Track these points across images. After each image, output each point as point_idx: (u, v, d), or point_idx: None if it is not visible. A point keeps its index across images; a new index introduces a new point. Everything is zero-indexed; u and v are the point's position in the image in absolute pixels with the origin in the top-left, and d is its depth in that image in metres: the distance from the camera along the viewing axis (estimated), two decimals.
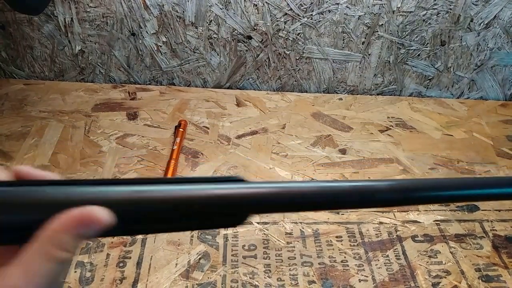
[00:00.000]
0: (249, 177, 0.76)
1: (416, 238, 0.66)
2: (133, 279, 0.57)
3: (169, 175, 0.73)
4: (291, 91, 1.05)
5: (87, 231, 0.27)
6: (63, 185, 0.29)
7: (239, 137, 0.86)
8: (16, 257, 0.25)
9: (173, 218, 0.31)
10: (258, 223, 0.67)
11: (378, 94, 1.08)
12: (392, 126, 0.94)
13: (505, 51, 1.03)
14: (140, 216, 0.30)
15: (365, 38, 0.99)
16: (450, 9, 0.97)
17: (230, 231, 0.65)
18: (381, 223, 0.68)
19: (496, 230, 0.69)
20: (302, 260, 0.61)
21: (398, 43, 1.00)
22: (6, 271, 0.25)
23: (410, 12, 0.97)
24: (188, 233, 0.64)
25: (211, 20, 0.96)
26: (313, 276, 0.59)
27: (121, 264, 0.59)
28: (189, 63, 1.01)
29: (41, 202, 0.27)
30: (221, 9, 0.94)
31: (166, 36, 0.97)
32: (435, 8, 0.96)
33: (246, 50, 1.00)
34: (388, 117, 0.98)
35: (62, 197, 0.28)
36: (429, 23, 0.98)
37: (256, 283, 0.57)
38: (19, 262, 0.25)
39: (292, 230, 0.66)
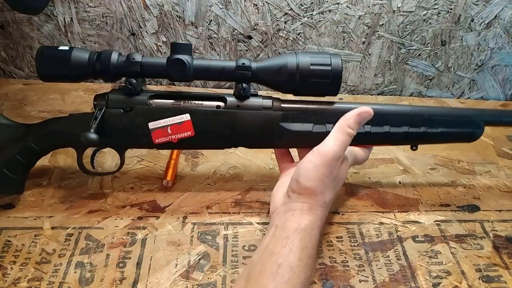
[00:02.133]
0: (249, 177, 0.76)
1: (416, 239, 0.66)
2: (133, 279, 0.57)
3: (169, 176, 0.73)
4: None
5: (362, 118, 0.59)
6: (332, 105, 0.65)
7: None
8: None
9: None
10: (258, 223, 0.67)
11: (378, 94, 1.07)
12: None
13: (506, 51, 1.03)
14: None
15: (366, 38, 0.99)
16: (451, 9, 0.96)
17: (230, 231, 0.65)
18: (381, 223, 0.68)
19: (496, 231, 0.68)
20: None
21: (398, 43, 1.00)
22: (325, 141, 0.57)
23: (411, 12, 0.96)
24: (188, 233, 0.64)
25: (211, 20, 0.95)
26: (313, 276, 0.59)
27: (121, 265, 0.59)
28: None
29: (337, 111, 0.62)
30: (221, 9, 0.94)
31: (166, 36, 0.97)
32: (436, 8, 0.96)
33: (246, 50, 1.00)
34: None
35: (342, 108, 0.63)
36: (430, 23, 0.98)
37: None
38: (330, 135, 0.58)
39: None
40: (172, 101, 0.63)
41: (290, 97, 0.65)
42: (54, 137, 0.65)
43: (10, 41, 0.97)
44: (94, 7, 0.93)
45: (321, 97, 0.64)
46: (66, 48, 0.61)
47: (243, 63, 0.61)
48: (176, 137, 0.63)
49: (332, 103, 0.65)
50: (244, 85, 0.62)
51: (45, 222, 0.64)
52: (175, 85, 1.03)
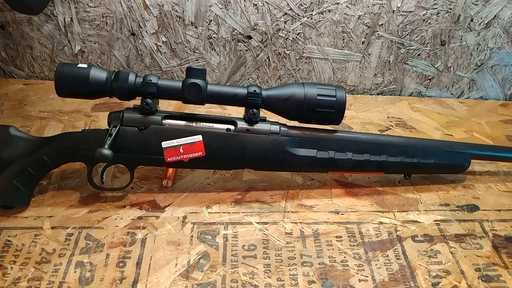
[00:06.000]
0: (249, 177, 0.76)
1: (416, 238, 0.66)
2: (133, 279, 0.57)
3: (168, 176, 0.73)
4: None
5: None
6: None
7: None
8: None
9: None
10: (257, 223, 0.67)
11: (378, 94, 1.08)
12: (392, 126, 0.94)
13: (505, 51, 1.03)
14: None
15: (365, 37, 0.99)
16: (450, 8, 0.97)
17: (230, 231, 0.65)
18: (381, 223, 0.68)
19: (496, 230, 0.69)
20: (302, 260, 0.61)
21: (398, 42, 1.00)
22: None
23: (410, 11, 0.97)
24: (188, 233, 0.64)
25: (211, 20, 0.96)
26: (313, 276, 0.59)
27: (120, 264, 0.59)
28: (189, 63, 1.01)
29: (339, 139, 0.70)
30: (220, 9, 0.94)
31: (166, 36, 0.97)
32: (435, 8, 0.96)
33: (246, 50, 1.00)
34: (388, 117, 0.98)
35: (344, 136, 0.71)
36: (429, 22, 0.98)
37: (256, 283, 0.57)
38: None
39: (292, 230, 0.66)
40: (184, 122, 0.66)
41: (296, 123, 0.70)
42: (66, 152, 0.66)
43: (10, 41, 0.97)
44: (94, 7, 0.94)
45: (324, 125, 0.70)
46: (85, 66, 0.63)
47: (254, 90, 0.65)
48: (188, 156, 0.65)
49: (334, 131, 0.71)
50: (254, 110, 0.67)
51: (45, 222, 0.64)
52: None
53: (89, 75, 0.63)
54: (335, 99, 0.67)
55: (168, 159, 0.65)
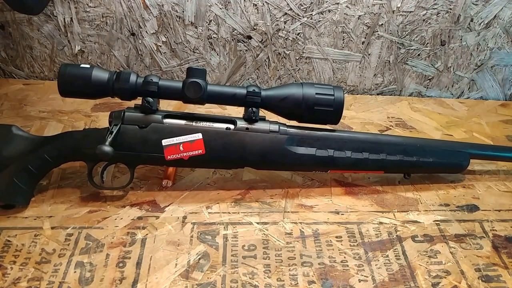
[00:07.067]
0: (249, 177, 0.76)
1: (416, 238, 0.66)
2: (132, 279, 0.57)
3: (168, 176, 0.73)
4: None
5: None
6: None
7: None
8: None
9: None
10: (257, 223, 0.67)
11: (378, 94, 1.08)
12: (392, 126, 0.94)
13: (505, 51, 1.03)
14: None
15: (365, 38, 0.99)
16: (450, 9, 0.97)
17: (230, 231, 0.65)
18: (381, 223, 0.68)
19: (496, 230, 0.69)
20: (302, 260, 0.61)
21: (398, 43, 1.00)
22: None
23: (410, 12, 0.97)
24: (188, 233, 0.64)
25: (211, 20, 0.96)
26: (312, 276, 0.59)
27: (120, 264, 0.59)
28: (188, 63, 1.01)
29: (338, 138, 0.71)
30: (220, 9, 0.94)
31: (166, 36, 0.97)
32: (435, 8, 0.96)
33: (246, 50, 1.00)
34: (388, 117, 0.98)
35: (343, 135, 0.72)
36: (429, 23, 0.98)
37: (256, 283, 0.57)
38: None
39: (292, 230, 0.66)
40: (185, 121, 0.67)
41: (295, 123, 0.70)
42: (67, 150, 0.66)
43: (10, 41, 0.97)
44: (94, 7, 0.93)
45: (323, 125, 0.71)
46: (87, 66, 0.64)
47: (253, 90, 0.66)
48: (188, 154, 0.66)
49: (333, 130, 0.71)
50: (254, 109, 0.67)
51: (45, 222, 0.64)
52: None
53: (91, 75, 0.63)
54: (333, 97, 0.67)
55: (168, 157, 0.65)
